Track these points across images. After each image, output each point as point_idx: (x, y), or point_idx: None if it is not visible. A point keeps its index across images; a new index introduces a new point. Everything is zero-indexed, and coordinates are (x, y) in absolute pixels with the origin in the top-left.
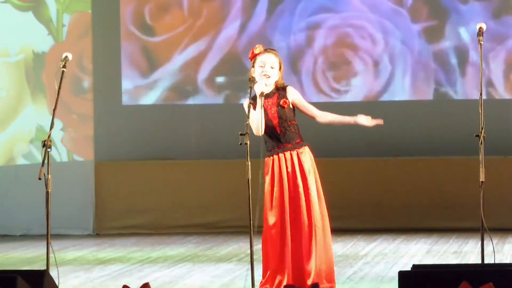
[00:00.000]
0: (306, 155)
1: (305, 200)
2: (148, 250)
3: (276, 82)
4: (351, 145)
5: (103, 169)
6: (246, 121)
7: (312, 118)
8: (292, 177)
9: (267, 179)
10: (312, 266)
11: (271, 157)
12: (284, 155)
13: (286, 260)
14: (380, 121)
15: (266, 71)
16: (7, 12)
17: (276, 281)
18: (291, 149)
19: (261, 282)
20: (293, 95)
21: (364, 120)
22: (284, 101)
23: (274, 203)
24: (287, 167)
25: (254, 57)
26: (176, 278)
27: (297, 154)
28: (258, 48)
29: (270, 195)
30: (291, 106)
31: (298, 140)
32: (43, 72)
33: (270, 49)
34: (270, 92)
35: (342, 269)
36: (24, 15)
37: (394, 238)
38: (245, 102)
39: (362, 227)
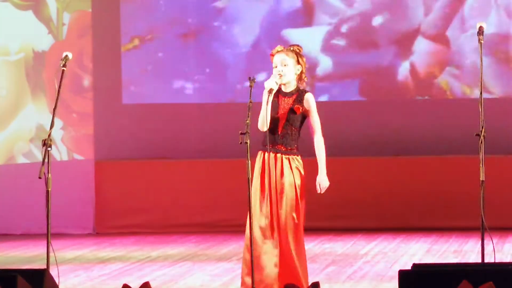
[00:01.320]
0: (295, 162)
1: (288, 206)
2: (148, 249)
3: (297, 78)
4: (351, 144)
5: (103, 168)
6: (246, 120)
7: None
8: (279, 178)
9: (257, 175)
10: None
11: (263, 153)
12: (275, 155)
13: (274, 261)
14: (318, 190)
15: (279, 71)
16: (7, 11)
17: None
18: (283, 153)
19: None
20: (309, 105)
21: (318, 183)
22: (298, 107)
23: (264, 202)
24: (276, 168)
25: (272, 59)
26: (176, 277)
27: (288, 160)
28: (275, 49)
29: (261, 192)
30: (303, 114)
31: (293, 148)
32: (43, 70)
33: (291, 45)
34: (290, 92)
35: (342, 268)
36: (24, 14)
37: (394, 237)
38: (265, 92)
39: (362, 226)
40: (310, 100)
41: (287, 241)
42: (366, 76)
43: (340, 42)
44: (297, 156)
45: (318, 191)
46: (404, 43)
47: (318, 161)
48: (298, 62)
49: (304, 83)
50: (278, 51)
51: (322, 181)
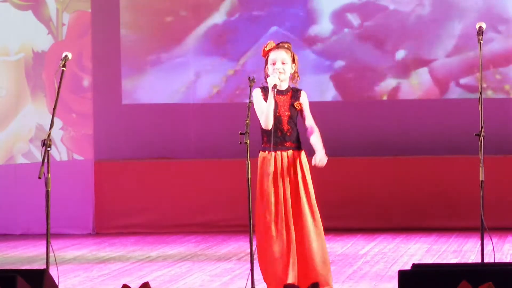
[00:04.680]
0: (304, 158)
1: (307, 201)
2: (148, 249)
3: (291, 76)
4: (351, 145)
5: (102, 168)
6: (246, 120)
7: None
8: (294, 177)
9: (270, 175)
10: (315, 266)
11: (272, 153)
12: (287, 153)
13: (291, 261)
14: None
15: (278, 68)
16: (7, 11)
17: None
18: (293, 149)
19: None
20: (304, 101)
21: (316, 159)
22: (299, 103)
23: (276, 201)
24: (289, 166)
25: (266, 54)
26: (175, 277)
27: (299, 155)
28: (269, 45)
29: (275, 192)
30: (300, 110)
31: (299, 143)
32: (43, 71)
33: (283, 42)
34: (285, 90)
35: (342, 268)
36: (24, 14)
37: (394, 237)
38: (256, 91)
39: (361, 226)
40: (304, 97)
41: (309, 238)
42: (354, 68)
43: (354, 20)
44: (303, 150)
45: (314, 164)
46: (408, 63)
47: (316, 142)
48: (293, 61)
49: (297, 83)
50: (277, 47)
51: (323, 158)
